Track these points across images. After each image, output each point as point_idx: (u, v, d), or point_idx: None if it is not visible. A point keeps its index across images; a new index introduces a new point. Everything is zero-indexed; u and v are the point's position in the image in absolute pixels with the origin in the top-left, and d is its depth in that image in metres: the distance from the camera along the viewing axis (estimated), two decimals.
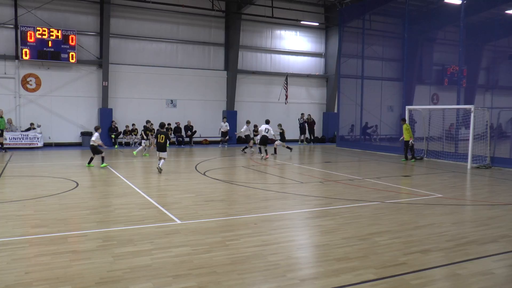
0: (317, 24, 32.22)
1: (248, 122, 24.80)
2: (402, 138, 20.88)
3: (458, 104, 21.29)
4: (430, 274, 6.04)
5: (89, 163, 16.70)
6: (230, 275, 5.72)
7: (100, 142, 16.80)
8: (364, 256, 6.64)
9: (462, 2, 20.94)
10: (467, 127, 19.23)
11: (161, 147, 15.36)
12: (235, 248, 6.84)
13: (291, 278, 5.67)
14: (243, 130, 25.20)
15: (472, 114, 18.65)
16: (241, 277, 5.68)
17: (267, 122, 22.13)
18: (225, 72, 29.85)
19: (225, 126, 27.15)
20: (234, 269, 5.95)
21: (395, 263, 6.39)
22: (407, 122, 21.20)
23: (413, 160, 20.39)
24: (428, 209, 10.30)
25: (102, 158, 16.59)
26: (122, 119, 26.57)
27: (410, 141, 20.18)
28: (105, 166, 16.30)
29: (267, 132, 20.95)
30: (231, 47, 29.32)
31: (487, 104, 30.41)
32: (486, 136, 19.18)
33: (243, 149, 23.98)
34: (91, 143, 16.67)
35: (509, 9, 27.84)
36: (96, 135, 16.78)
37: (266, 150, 20.73)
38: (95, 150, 16.64)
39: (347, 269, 6.07)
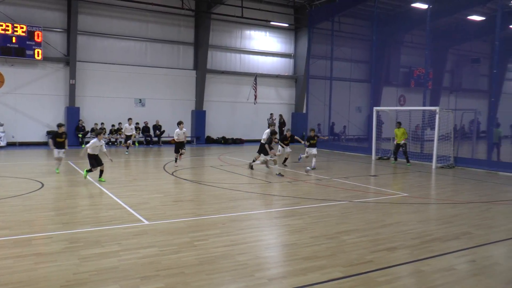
0: (286, 25, 32.39)
1: (180, 123, 17.82)
2: (395, 141, 20.17)
3: (424, 105, 21.76)
4: (396, 271, 6.20)
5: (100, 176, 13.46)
6: (198, 276, 5.73)
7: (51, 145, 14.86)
8: (332, 255, 6.74)
9: (428, 7, 21.40)
10: (433, 128, 19.68)
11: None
12: (204, 249, 6.84)
13: (259, 278, 5.72)
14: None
15: (437, 116, 19.09)
16: (210, 277, 5.70)
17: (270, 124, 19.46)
18: (194, 71, 29.71)
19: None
20: (203, 269, 5.96)
21: (362, 261, 6.52)
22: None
23: (409, 163, 19.66)
24: (395, 208, 10.52)
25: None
26: (89, 118, 26.12)
27: (403, 141, 19.73)
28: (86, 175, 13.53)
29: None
30: (200, 47, 29.19)
31: (451, 106, 31.26)
32: (450, 137, 19.69)
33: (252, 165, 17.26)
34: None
35: (472, 15, 28.77)
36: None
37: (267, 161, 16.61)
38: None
39: (315, 267, 6.15)
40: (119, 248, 6.75)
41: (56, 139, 14.74)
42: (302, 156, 18.20)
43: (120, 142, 25.58)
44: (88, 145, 13.17)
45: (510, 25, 28.82)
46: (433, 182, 15.39)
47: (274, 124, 18.24)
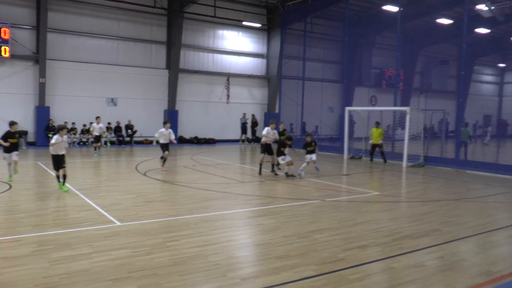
0: (259, 25, 32.46)
1: (166, 122, 16.62)
2: (371, 141, 20.14)
3: (395, 106, 22.15)
4: (367, 269, 6.31)
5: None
6: (171, 277, 5.71)
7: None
8: (304, 253, 6.81)
9: (399, 10, 21.77)
10: (403, 128, 20.02)
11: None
12: (176, 249, 6.82)
13: (232, 278, 5.74)
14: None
15: (407, 116, 19.44)
16: (182, 278, 5.69)
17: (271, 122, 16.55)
18: (167, 71, 29.50)
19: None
20: (175, 270, 5.94)
21: (334, 259, 6.61)
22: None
23: (387, 163, 19.64)
24: (366, 207, 10.69)
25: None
26: (60, 118, 25.57)
27: (380, 141, 19.77)
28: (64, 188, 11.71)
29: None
30: (173, 46, 29.01)
31: (421, 106, 31.92)
32: (420, 137, 20.09)
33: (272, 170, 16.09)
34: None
35: (440, 18, 29.45)
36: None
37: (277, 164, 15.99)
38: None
39: (288, 266, 6.21)
40: (91, 250, 6.67)
41: (8, 139, 12.58)
42: (301, 172, 15.36)
43: (92, 142, 25.19)
44: (51, 142, 11.48)
45: (476, 28, 29.68)
46: (404, 181, 15.67)
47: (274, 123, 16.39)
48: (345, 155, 22.25)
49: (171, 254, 6.58)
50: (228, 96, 30.85)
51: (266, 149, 15.68)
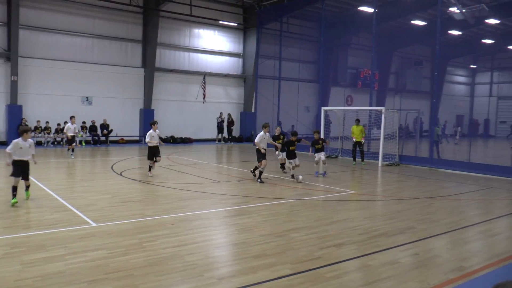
0: (235, 24, 32.46)
1: (154, 123, 15.06)
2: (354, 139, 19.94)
3: (370, 105, 22.41)
4: (344, 267, 6.38)
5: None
6: (147, 278, 5.68)
7: None
8: (281, 252, 6.85)
9: (374, 11, 22.04)
10: (379, 127, 20.28)
11: None
12: (152, 250, 6.78)
13: (208, 278, 5.74)
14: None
15: (383, 115, 19.69)
16: (158, 279, 5.66)
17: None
18: (143, 69, 29.23)
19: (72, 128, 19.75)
20: (151, 271, 5.91)
21: (310, 257, 6.66)
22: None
23: (363, 162, 19.84)
24: (342, 205, 10.81)
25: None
26: (33, 117, 25.15)
27: (363, 141, 19.80)
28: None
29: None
30: (148, 44, 28.77)
31: (396, 106, 32.42)
32: (396, 136, 20.39)
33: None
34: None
35: (415, 20, 29.95)
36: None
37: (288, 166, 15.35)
38: None
39: (264, 265, 6.23)
40: (65, 252, 6.57)
41: None
42: (318, 173, 15.40)
43: (66, 142, 24.80)
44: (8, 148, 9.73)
45: (449, 30, 30.27)
46: (379, 180, 15.88)
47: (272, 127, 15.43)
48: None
49: (147, 255, 6.54)
50: (204, 95, 30.76)
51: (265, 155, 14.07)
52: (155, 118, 29.15)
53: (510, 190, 13.86)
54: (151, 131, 14.52)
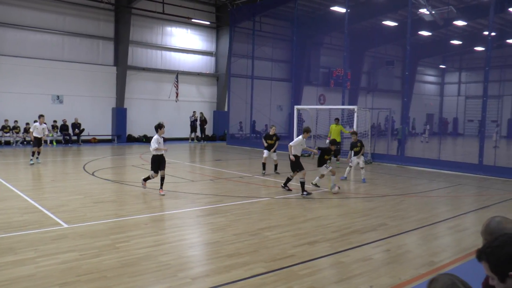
0: (208, 23, 32.35)
1: (160, 127, 12.25)
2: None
3: (343, 104, 22.64)
4: (317, 264, 6.45)
5: None
6: (120, 279, 5.63)
7: None
8: (255, 251, 6.88)
9: (346, 11, 22.27)
10: (351, 126, 20.52)
11: None
12: (126, 250, 6.73)
13: (182, 278, 5.73)
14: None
15: (355, 114, 19.93)
16: (132, 280, 5.62)
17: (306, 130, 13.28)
18: (115, 67, 28.86)
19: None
20: (125, 272, 5.86)
21: (284, 255, 6.70)
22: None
23: (338, 162, 19.38)
24: (316, 203, 10.90)
25: None
26: (1, 116, 24.51)
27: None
28: None
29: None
30: (120, 42, 28.42)
31: (368, 105, 32.81)
32: (368, 134, 20.67)
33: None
34: None
35: (386, 20, 30.43)
36: None
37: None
38: None
39: (238, 264, 6.25)
40: (36, 255, 6.45)
41: None
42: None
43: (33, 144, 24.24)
44: None
45: (419, 31, 30.89)
46: (352, 178, 16.05)
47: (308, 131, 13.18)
48: None
49: (121, 256, 6.48)
50: (177, 94, 30.54)
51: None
52: (128, 117, 28.90)
53: (478, 187, 14.24)
54: (157, 136, 11.76)
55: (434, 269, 6.34)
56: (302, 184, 11.75)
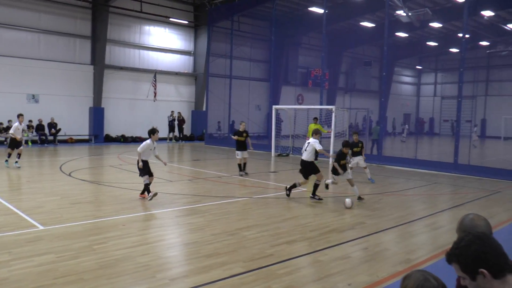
0: (186, 22, 32.19)
1: (154, 132, 11.17)
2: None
3: (321, 104, 22.81)
4: (296, 263, 6.50)
5: None
6: (98, 281, 5.57)
7: None
8: (233, 251, 6.89)
9: (324, 12, 22.44)
10: (329, 126, 20.69)
11: None
12: (103, 252, 6.66)
13: (161, 279, 5.70)
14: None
15: (333, 114, 20.08)
16: (110, 281, 5.57)
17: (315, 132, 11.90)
18: (92, 66, 28.46)
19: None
20: (103, 274, 5.81)
21: (263, 255, 6.73)
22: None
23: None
24: (294, 203, 10.96)
25: None
26: None
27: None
28: None
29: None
30: (98, 41, 28.05)
31: (346, 105, 33.17)
32: (346, 134, 20.86)
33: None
34: None
35: (364, 22, 30.78)
36: None
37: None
38: None
39: (217, 264, 6.25)
40: (10, 258, 6.31)
41: None
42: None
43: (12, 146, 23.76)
44: None
45: (396, 32, 31.32)
46: (330, 177, 16.15)
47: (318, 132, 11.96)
48: (273, 152, 22.61)
49: (98, 257, 6.41)
50: (155, 93, 30.28)
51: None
52: (106, 117, 28.54)
53: (453, 185, 14.51)
54: (149, 142, 10.71)
55: (411, 266, 6.45)
56: (316, 186, 11.22)
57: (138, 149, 10.54)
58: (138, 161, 10.57)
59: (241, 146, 15.37)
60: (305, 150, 11.35)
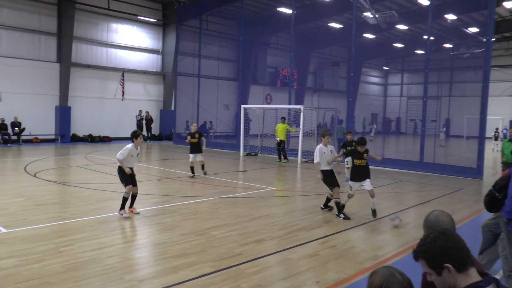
0: (154, 20, 31.89)
1: (137, 136, 9.43)
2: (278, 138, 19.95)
3: (289, 104, 22.96)
4: (264, 262, 6.54)
5: None
6: (64, 284, 5.48)
7: None
8: (202, 251, 6.89)
9: (293, 12, 22.59)
10: (298, 125, 20.86)
11: None
12: (70, 254, 6.55)
13: (129, 280, 5.66)
14: None
15: (301, 114, 20.26)
16: (77, 284, 5.48)
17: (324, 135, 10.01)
18: (58, 64, 27.83)
19: None
20: (69, 277, 5.71)
21: (231, 254, 6.75)
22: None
23: (285, 160, 19.95)
24: (263, 202, 11.01)
25: None
26: None
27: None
28: None
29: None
30: (64, 38, 27.45)
31: (314, 105, 33.48)
32: (314, 133, 21.08)
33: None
34: None
35: (332, 23, 31.16)
36: None
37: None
38: None
39: (185, 265, 6.24)
40: None
41: None
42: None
43: None
44: None
45: (364, 33, 31.85)
46: (299, 176, 16.33)
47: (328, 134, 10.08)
48: (241, 152, 22.65)
49: (65, 260, 6.30)
50: (123, 92, 29.88)
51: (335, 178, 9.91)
52: (72, 116, 27.98)
53: (418, 183, 14.85)
54: (130, 146, 9.15)
55: (378, 262, 6.60)
56: (337, 205, 9.48)
57: (118, 156, 8.93)
58: (122, 168, 9.02)
59: (193, 148, 14.53)
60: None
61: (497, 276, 5.14)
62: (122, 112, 30.76)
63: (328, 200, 9.97)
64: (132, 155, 9.16)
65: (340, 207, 9.43)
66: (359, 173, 9.53)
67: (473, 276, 2.39)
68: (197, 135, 14.59)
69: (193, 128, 15.06)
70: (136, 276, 5.85)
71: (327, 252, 7.10)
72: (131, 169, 9.23)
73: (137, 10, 30.03)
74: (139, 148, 9.29)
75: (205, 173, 14.87)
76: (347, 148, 12.73)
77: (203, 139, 14.92)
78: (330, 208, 10.03)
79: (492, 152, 27.86)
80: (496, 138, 30.90)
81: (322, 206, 10.14)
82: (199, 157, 14.55)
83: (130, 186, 9.06)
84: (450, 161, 19.92)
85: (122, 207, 8.96)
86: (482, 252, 5.96)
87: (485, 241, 6.01)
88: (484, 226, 6.11)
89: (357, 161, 9.58)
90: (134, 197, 9.35)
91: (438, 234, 2.44)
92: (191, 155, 14.53)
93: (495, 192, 4.96)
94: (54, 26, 27.73)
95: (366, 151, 9.64)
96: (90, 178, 14.05)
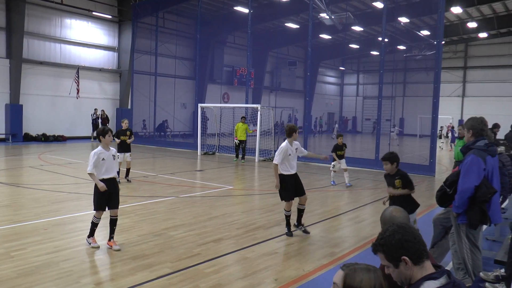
0: (110, 16, 31.22)
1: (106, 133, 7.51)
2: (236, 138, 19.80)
3: (246, 103, 23.05)
4: (223, 261, 6.56)
5: None
6: None
7: None
8: (160, 252, 6.84)
9: (249, 12, 22.67)
10: (255, 124, 20.97)
11: None
12: (22, 259, 6.34)
13: (85, 284, 5.55)
14: None
15: (259, 113, 20.38)
16: None
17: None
18: (8, 60, 26.77)
19: None
20: (22, 282, 5.53)
21: (190, 254, 6.74)
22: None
23: (242, 160, 19.80)
24: (221, 201, 11.01)
25: None
26: None
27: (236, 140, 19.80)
28: None
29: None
30: (14, 33, 26.41)
31: (271, 104, 33.75)
32: (271, 132, 21.24)
33: None
34: None
35: (288, 23, 31.51)
36: None
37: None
38: None
39: (143, 266, 6.19)
40: None
41: None
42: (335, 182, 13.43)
43: None
44: None
45: (320, 34, 32.37)
46: (256, 174, 16.42)
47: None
48: (199, 151, 22.54)
49: (16, 265, 6.09)
50: (77, 90, 29.08)
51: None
52: (24, 114, 27.03)
53: (374, 181, 15.21)
54: (100, 149, 7.07)
55: (336, 259, 6.74)
56: (286, 218, 8.21)
57: (87, 170, 6.99)
58: (95, 184, 6.97)
59: (122, 147, 13.25)
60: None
61: (447, 268, 5.37)
62: (77, 111, 29.97)
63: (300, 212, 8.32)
64: (103, 159, 6.94)
65: (288, 221, 8.21)
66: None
67: (428, 268, 2.50)
68: (128, 133, 13.50)
69: (125, 125, 13.65)
70: (93, 279, 5.75)
71: (285, 250, 7.19)
72: (110, 180, 7.05)
73: (91, 6, 29.33)
74: (112, 149, 7.19)
75: (128, 181, 13.44)
76: (338, 152, 13.26)
77: (132, 137, 13.70)
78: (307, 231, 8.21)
79: (440, 150, 28.60)
80: (440, 137, 31.90)
81: (295, 223, 8.25)
82: (128, 157, 13.45)
83: (100, 212, 7.06)
84: (405, 159, 20.37)
85: (91, 234, 7.11)
86: (434, 245, 6.20)
87: (436, 234, 6.28)
88: (435, 220, 6.38)
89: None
90: (112, 222, 7.09)
91: (396, 228, 2.53)
92: (120, 155, 12.80)
93: (446, 188, 5.20)
94: (3, 20, 26.59)
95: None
96: (44, 179, 13.65)
